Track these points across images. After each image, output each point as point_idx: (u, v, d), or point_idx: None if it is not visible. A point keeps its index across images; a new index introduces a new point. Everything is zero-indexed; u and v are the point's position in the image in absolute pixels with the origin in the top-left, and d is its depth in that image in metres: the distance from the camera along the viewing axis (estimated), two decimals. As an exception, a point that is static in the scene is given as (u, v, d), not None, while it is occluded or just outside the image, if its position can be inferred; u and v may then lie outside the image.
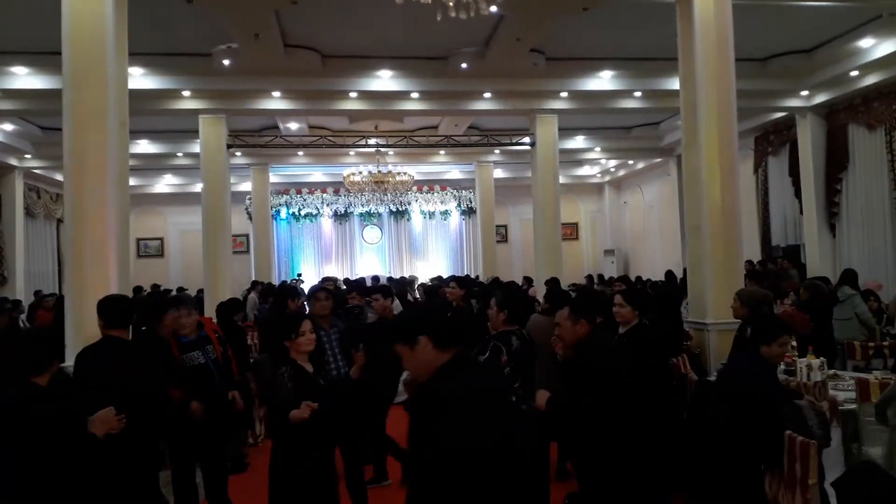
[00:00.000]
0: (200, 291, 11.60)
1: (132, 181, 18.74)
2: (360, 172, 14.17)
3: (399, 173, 14.48)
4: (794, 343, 5.36)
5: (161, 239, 20.67)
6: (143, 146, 14.72)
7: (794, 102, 11.97)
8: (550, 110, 11.58)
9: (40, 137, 13.83)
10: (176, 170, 18.90)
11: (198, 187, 19.71)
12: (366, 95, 10.77)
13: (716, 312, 6.41)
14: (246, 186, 17.12)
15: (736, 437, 3.54)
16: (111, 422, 3.16)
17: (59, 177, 16.78)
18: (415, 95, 10.87)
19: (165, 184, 19.40)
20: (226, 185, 10.95)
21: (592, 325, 3.61)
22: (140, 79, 9.84)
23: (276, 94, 10.59)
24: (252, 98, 10.70)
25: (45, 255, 17.05)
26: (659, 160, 17.72)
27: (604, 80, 11.06)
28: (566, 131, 15.23)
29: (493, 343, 4.03)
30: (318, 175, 19.08)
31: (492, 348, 4.00)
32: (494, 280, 10.79)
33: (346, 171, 14.72)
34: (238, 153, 15.41)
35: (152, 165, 16.79)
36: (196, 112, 10.72)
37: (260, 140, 11.54)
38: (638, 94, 11.45)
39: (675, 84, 10.00)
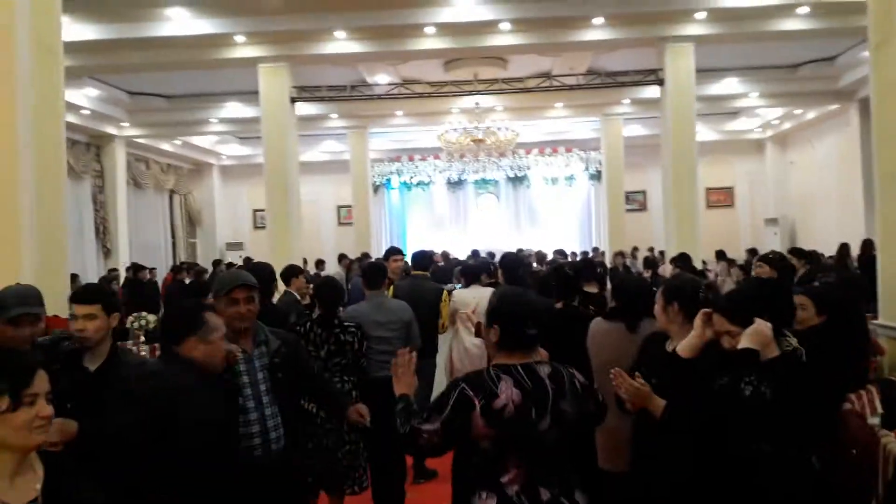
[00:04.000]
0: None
1: (242, 150, 18.40)
2: (455, 130, 12.31)
3: (500, 129, 12.42)
4: None
5: (276, 210, 20.09)
6: (237, 109, 13.76)
7: None
8: (683, 37, 9.01)
9: (129, 104, 13.26)
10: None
11: (308, 155, 19.09)
12: (445, 30, 8.85)
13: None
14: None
15: None
16: None
17: (166, 146, 16.46)
18: (505, 27, 8.80)
19: (276, 153, 18.61)
20: (290, 145, 9.51)
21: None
22: (188, 22, 8.61)
23: (340, 34, 8.95)
24: (314, 41, 9.14)
25: (157, 226, 16.89)
26: (835, 107, 14.24)
27: (755, -8, 8.38)
28: (712, 73, 12.42)
29: (459, 392, 2.10)
30: (429, 139, 17.44)
31: (453, 405, 2.08)
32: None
33: (440, 130, 12.91)
34: (334, 115, 14.14)
35: (253, 132, 15.91)
36: (255, 61, 9.35)
37: (329, 93, 10.01)
38: (804, 9, 8.61)
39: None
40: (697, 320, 2.42)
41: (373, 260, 7.54)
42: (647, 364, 2.61)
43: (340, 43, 9.13)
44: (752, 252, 12.47)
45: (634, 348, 3.05)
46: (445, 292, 5.06)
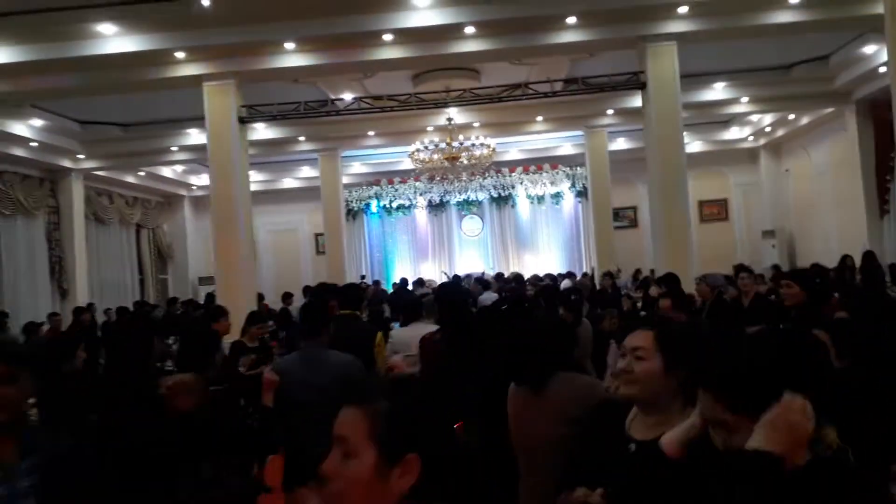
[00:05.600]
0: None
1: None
2: (427, 148, 11.52)
3: (475, 145, 11.62)
4: None
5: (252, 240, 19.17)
6: (199, 136, 12.92)
7: None
8: (665, 35, 8.25)
9: (82, 134, 12.44)
10: (257, 165, 17.34)
11: (285, 182, 18.30)
12: (404, 37, 8.06)
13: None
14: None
15: None
16: None
17: (130, 178, 15.66)
18: (470, 31, 8.02)
19: (251, 181, 17.75)
20: (239, 170, 8.68)
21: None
22: (115, 40, 7.81)
23: (290, 45, 8.16)
24: (262, 54, 8.35)
25: (122, 263, 15.98)
26: (830, 110, 13.53)
27: (742, -17, 7.64)
28: (699, 78, 11.70)
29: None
30: (409, 161, 16.64)
31: None
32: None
33: (411, 148, 12.11)
34: (301, 137, 13.36)
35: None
36: (199, 79, 8.54)
37: (282, 111, 9.16)
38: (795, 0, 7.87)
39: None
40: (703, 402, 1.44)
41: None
42: (597, 456, 1.73)
43: (291, 56, 8.34)
44: (741, 269, 11.35)
45: (545, 420, 2.21)
46: (379, 335, 4.16)
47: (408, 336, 4.18)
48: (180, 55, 8.23)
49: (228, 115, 8.55)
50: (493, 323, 3.31)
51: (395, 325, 4.76)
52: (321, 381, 3.16)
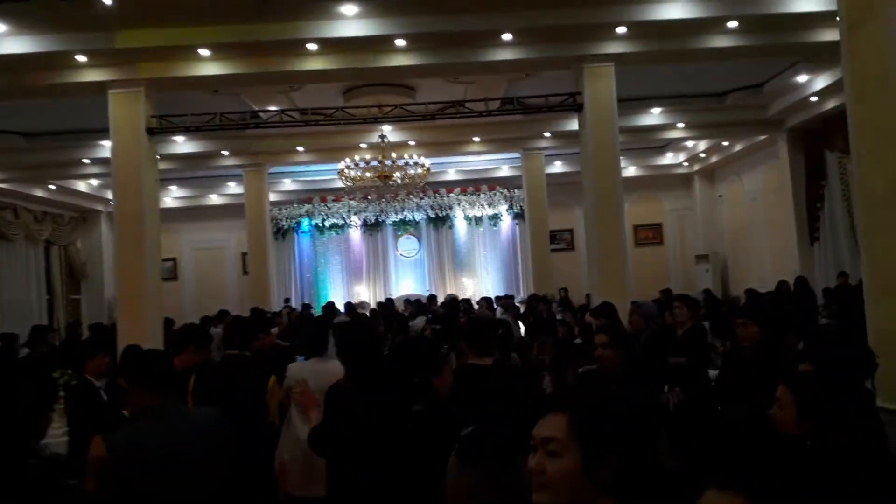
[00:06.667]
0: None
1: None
2: (357, 165, 10.99)
3: (409, 164, 11.16)
4: None
5: (174, 259, 18.15)
6: (109, 149, 12.04)
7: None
8: (603, 56, 7.98)
9: (-21, 144, 11.42)
10: (181, 181, 16.44)
11: (210, 199, 17.43)
12: (330, 47, 7.54)
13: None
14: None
15: None
16: None
17: (39, 192, 14.55)
18: (400, 43, 7.56)
19: (172, 196, 16.87)
20: (146, 185, 7.90)
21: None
22: (5, 40, 7.02)
23: (204, 52, 7.53)
24: (173, 61, 7.67)
25: (28, 282, 14.78)
26: (763, 138, 13.69)
27: (679, 6, 7.43)
28: (636, 102, 11.59)
29: None
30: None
31: None
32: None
33: (340, 165, 11.53)
34: (225, 152, 12.61)
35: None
36: (104, 87, 7.79)
37: (200, 121, 8.47)
38: (733, 24, 7.72)
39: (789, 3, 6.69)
40: None
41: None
42: None
43: (206, 63, 7.70)
44: (673, 296, 11.01)
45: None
46: (272, 379, 3.55)
47: (307, 373, 3.56)
48: (81, 59, 7.47)
49: (136, 125, 7.81)
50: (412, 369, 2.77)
51: (301, 359, 4.17)
52: (181, 444, 2.49)
